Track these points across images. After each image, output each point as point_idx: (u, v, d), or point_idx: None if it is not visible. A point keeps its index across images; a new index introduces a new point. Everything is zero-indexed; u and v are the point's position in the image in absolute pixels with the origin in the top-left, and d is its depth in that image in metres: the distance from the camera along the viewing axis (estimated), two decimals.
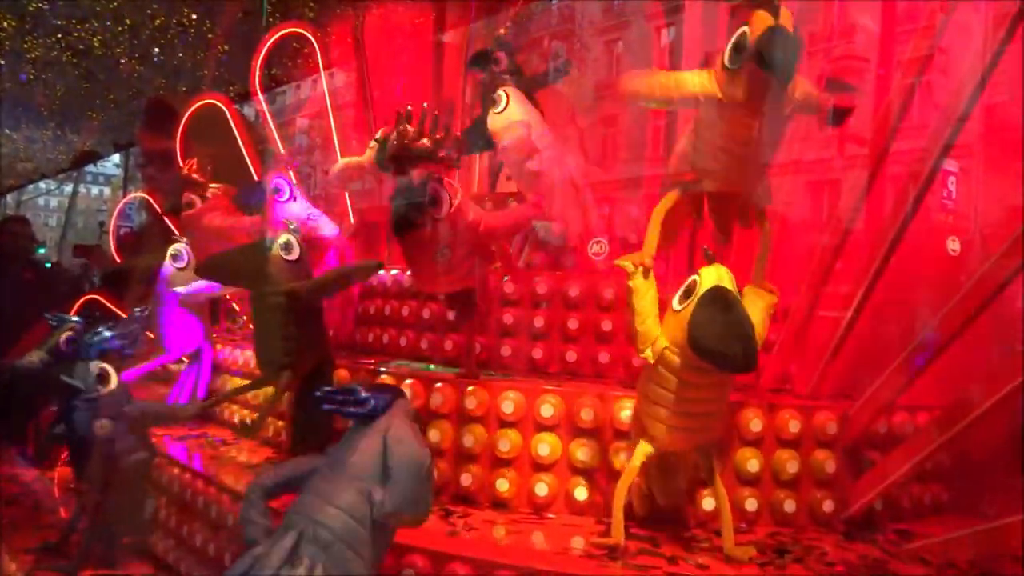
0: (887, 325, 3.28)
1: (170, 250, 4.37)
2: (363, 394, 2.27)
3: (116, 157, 16.52)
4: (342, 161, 4.95)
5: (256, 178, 5.44)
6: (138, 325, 3.72)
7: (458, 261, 3.00)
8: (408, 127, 2.87)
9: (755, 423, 2.91)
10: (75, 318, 4.32)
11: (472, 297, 3.38)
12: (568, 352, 3.55)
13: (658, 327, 2.54)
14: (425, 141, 2.91)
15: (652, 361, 2.52)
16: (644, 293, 2.59)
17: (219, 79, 8.36)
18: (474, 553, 2.47)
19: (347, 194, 5.30)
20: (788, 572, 2.41)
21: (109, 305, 5.50)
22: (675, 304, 2.47)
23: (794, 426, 2.92)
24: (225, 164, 5.75)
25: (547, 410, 3.00)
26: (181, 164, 5.99)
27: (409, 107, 2.93)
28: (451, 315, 3.71)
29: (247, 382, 3.98)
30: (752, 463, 2.89)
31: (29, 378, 4.08)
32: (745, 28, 2.46)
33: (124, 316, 3.83)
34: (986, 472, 3.08)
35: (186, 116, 6.25)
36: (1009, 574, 2.44)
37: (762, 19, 2.41)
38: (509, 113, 3.62)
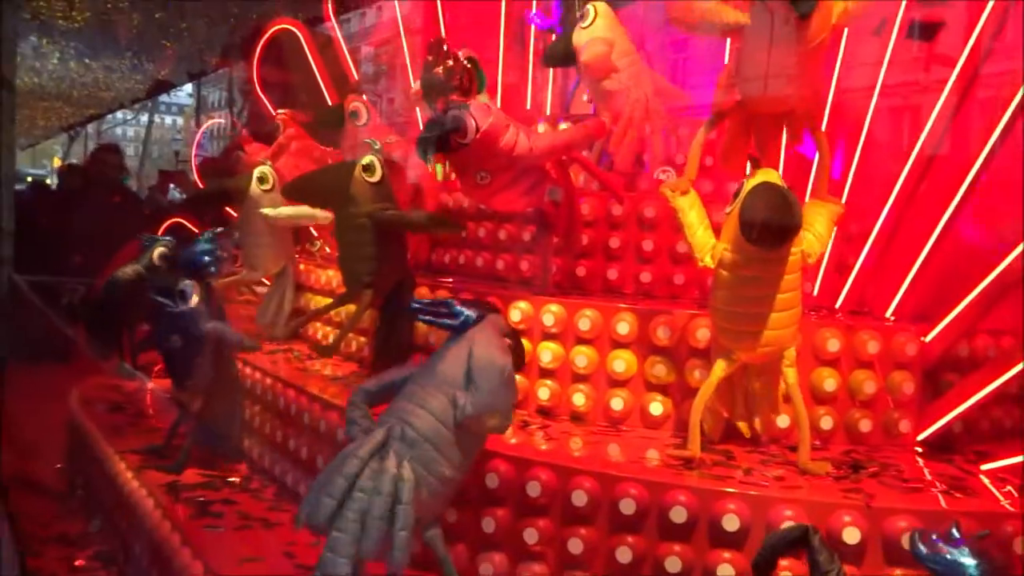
0: (971, 250, 3.21)
1: (256, 172, 4.49)
2: (457, 307, 2.40)
3: (188, 87, 16.87)
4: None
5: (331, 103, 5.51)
6: (229, 243, 3.87)
7: (505, 183, 3.04)
8: (429, 59, 2.94)
9: (832, 343, 2.91)
10: (167, 238, 4.55)
11: (544, 217, 3.45)
12: (643, 273, 3.58)
13: (712, 235, 2.64)
14: (439, 70, 3.00)
15: (712, 265, 2.60)
16: (688, 209, 2.70)
17: (289, 5, 8.39)
18: (554, 460, 2.58)
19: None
20: (862, 486, 2.44)
21: (193, 228, 5.71)
22: (727, 209, 2.55)
23: (872, 347, 2.91)
24: (302, 90, 5.86)
25: (623, 328, 3.06)
26: (259, 91, 6.13)
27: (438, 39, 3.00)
28: (526, 235, 3.77)
29: (329, 300, 4.14)
30: (829, 382, 2.90)
31: (124, 289, 4.32)
32: None
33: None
34: None
35: (261, 42, 6.34)
36: None
37: None
38: (594, 29, 3.59)
